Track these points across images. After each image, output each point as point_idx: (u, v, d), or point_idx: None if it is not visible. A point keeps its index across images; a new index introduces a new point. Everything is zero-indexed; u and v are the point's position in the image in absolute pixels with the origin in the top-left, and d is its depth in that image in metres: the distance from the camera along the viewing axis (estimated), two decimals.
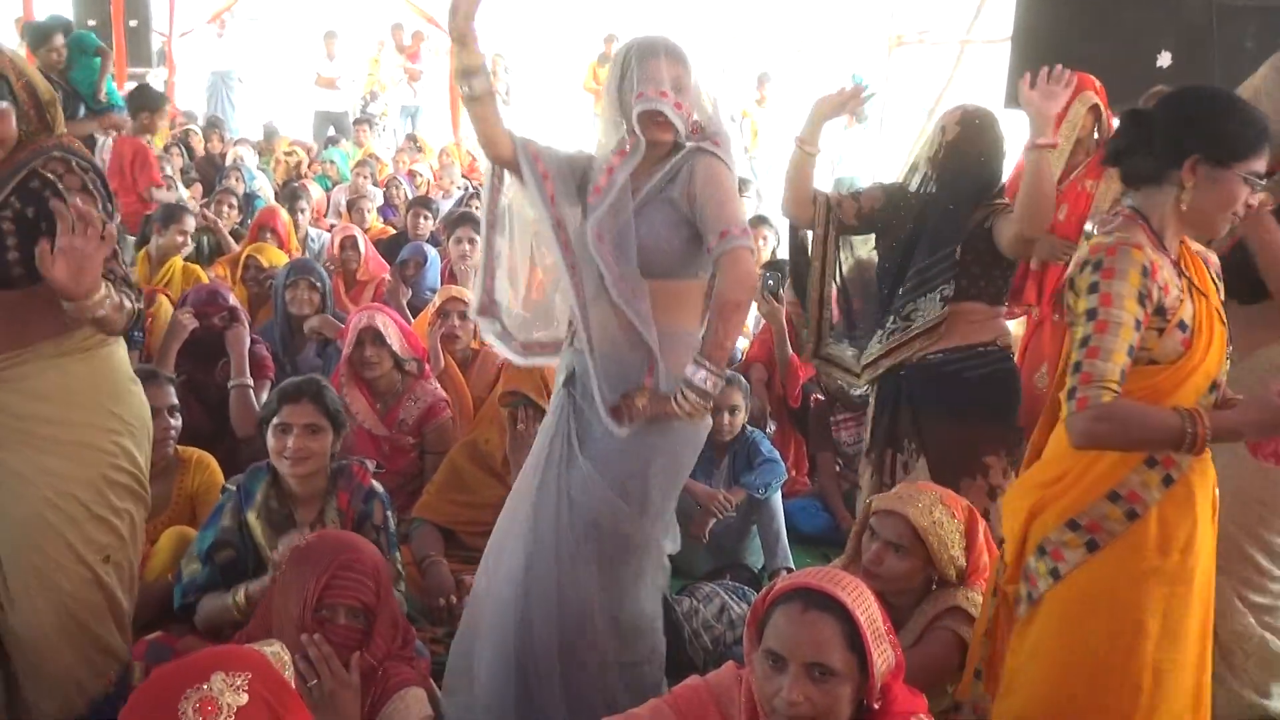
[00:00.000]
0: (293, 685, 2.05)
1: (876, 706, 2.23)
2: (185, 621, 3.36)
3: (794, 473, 5.46)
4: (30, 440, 2.87)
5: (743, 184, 9.54)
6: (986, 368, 3.76)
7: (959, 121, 3.73)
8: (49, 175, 2.78)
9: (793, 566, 4.44)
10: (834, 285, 4.03)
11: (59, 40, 7.57)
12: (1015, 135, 4.38)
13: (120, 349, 3.06)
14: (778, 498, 4.61)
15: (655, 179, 3.08)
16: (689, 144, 3.07)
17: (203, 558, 3.37)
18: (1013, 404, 3.87)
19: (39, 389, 2.86)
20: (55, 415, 2.87)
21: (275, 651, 2.15)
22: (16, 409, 2.86)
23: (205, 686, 1.82)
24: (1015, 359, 3.96)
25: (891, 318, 3.76)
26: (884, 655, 2.22)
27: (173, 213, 6.61)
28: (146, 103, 8.10)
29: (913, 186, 3.82)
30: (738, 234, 3.00)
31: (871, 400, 3.99)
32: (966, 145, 3.69)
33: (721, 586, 4.13)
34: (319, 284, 5.50)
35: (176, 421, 3.82)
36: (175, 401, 3.81)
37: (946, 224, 3.69)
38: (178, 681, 1.84)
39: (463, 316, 5.15)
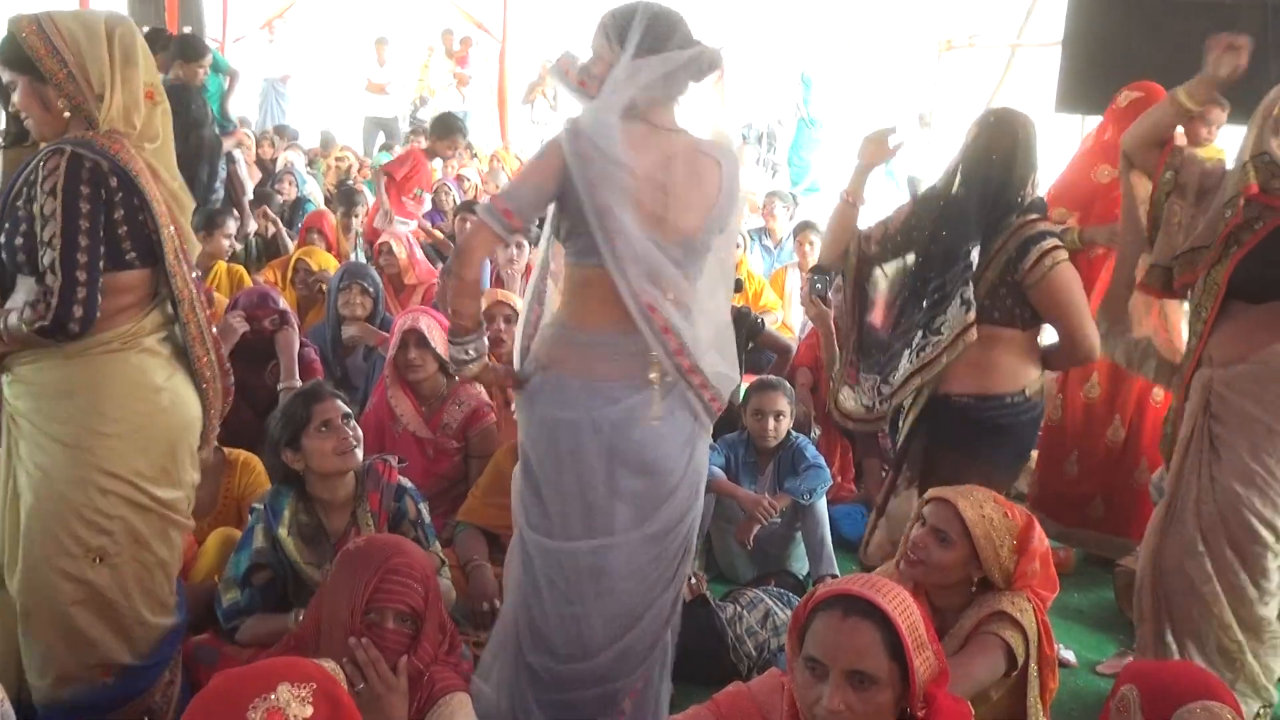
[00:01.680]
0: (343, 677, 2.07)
1: (920, 715, 2.22)
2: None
3: (839, 479, 5.43)
4: (29, 436, 2.93)
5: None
6: (1012, 419, 3.67)
7: (979, 123, 3.67)
8: (34, 174, 2.82)
9: (838, 573, 4.41)
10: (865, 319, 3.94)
11: (208, 60, 7.79)
12: (1064, 138, 4.35)
13: (146, 357, 3.04)
14: (823, 504, 4.59)
15: None
16: None
17: (240, 582, 3.41)
18: (1026, 453, 3.87)
19: (45, 387, 2.91)
20: (55, 413, 2.91)
21: (333, 666, 2.16)
22: (24, 407, 2.93)
23: (272, 697, 1.84)
24: (1044, 404, 3.87)
25: (920, 333, 3.63)
26: (926, 662, 2.20)
27: (214, 218, 6.69)
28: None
29: (940, 191, 3.74)
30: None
31: (905, 422, 3.81)
32: (983, 146, 3.61)
33: (766, 593, 4.13)
34: (371, 288, 5.54)
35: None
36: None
37: (961, 225, 3.59)
38: (244, 690, 1.85)
39: (508, 320, 5.14)
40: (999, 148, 3.59)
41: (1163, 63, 3.89)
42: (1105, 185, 4.64)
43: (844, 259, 3.82)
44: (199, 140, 7.44)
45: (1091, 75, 6.21)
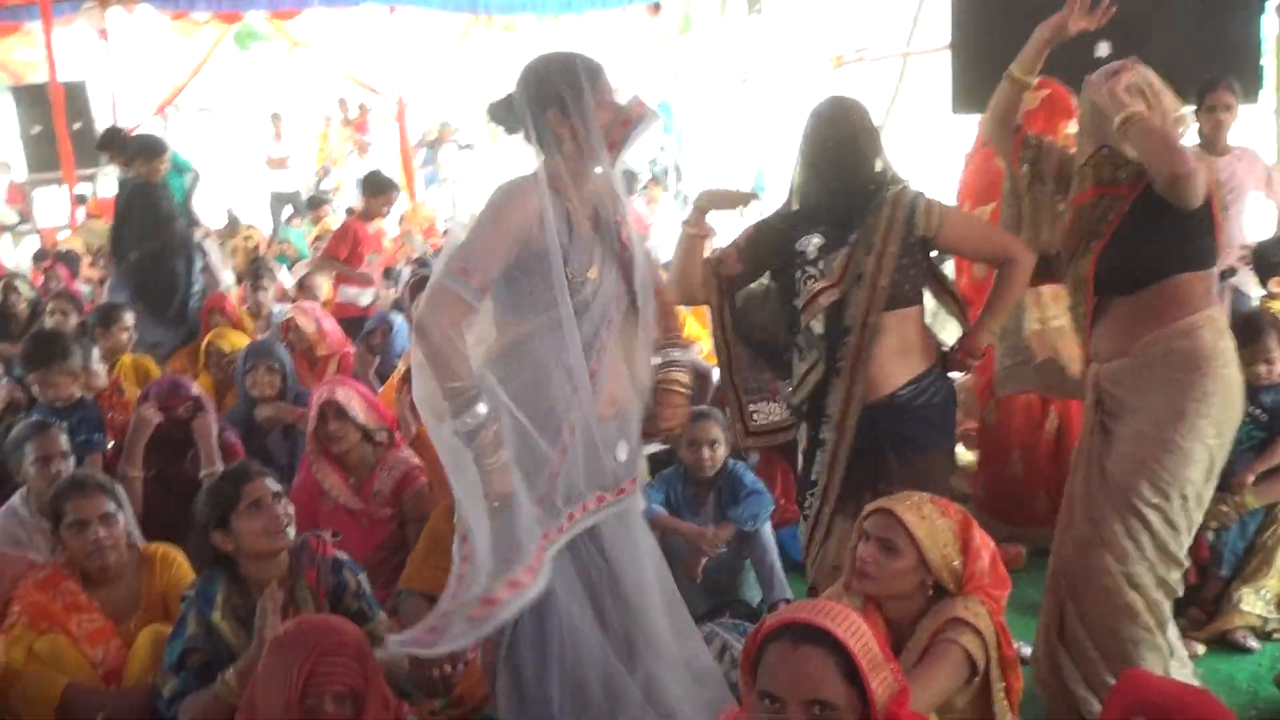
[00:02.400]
0: None
1: None
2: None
3: (783, 501, 5.36)
4: None
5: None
6: (945, 391, 3.63)
7: (809, 123, 3.60)
8: None
9: (791, 597, 4.35)
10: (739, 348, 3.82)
11: (169, 155, 8.06)
12: (959, 137, 4.35)
13: None
14: (768, 529, 4.53)
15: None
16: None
17: (175, 669, 3.28)
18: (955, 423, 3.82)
19: None
20: None
21: None
22: None
23: None
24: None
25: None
26: (884, 683, 2.15)
27: (110, 312, 6.59)
28: (142, 149, 7.96)
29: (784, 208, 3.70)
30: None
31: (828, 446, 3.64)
32: (815, 135, 3.56)
33: (721, 626, 4.05)
34: (277, 365, 5.43)
35: (110, 530, 3.61)
36: (108, 510, 3.62)
37: (832, 206, 3.53)
38: None
39: None
40: (837, 135, 3.54)
41: (1050, 56, 3.91)
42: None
43: (699, 290, 3.69)
44: (170, 234, 7.68)
45: (983, 75, 6.24)
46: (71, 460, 4.29)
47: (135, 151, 7.91)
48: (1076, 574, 3.48)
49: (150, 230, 7.62)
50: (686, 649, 3.20)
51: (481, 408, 2.82)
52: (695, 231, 3.62)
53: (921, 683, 2.77)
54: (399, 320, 6.57)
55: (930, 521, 2.96)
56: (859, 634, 2.17)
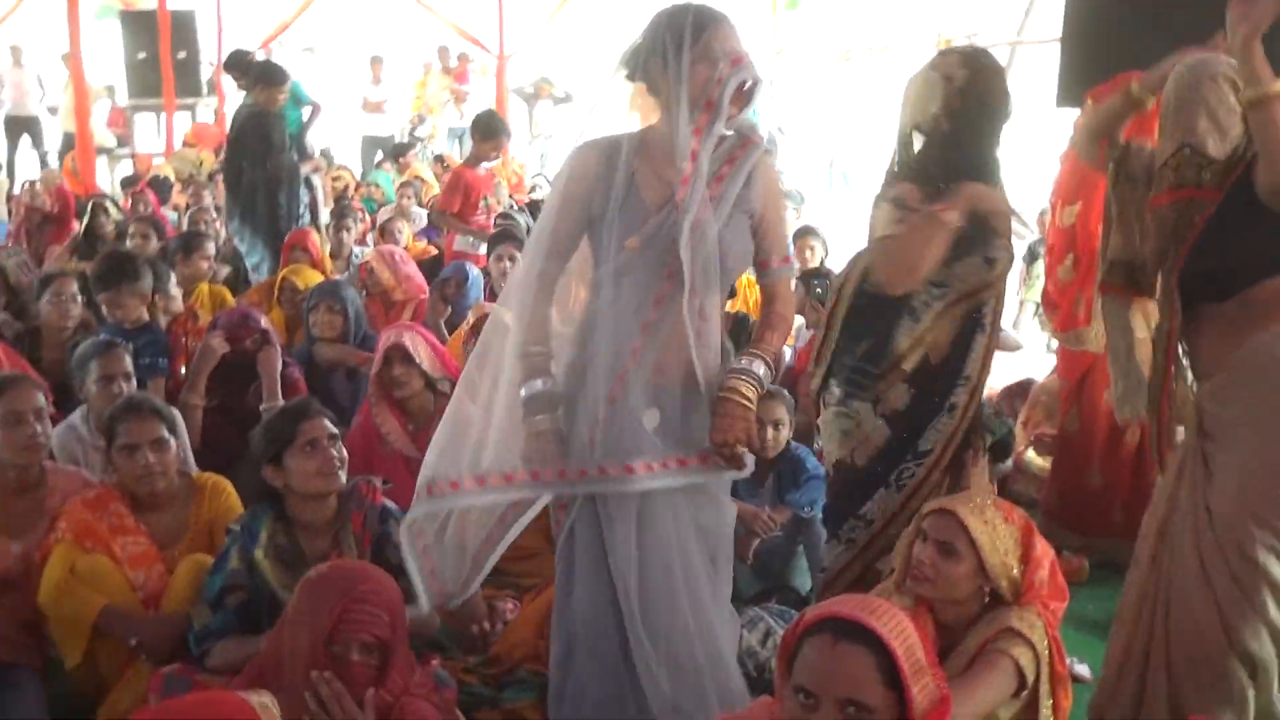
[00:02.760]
0: None
1: None
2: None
3: None
4: None
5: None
6: None
7: (964, 64, 3.34)
8: None
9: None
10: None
11: (288, 86, 8.03)
12: (1062, 133, 4.17)
13: None
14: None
15: (735, 183, 2.86)
16: (734, 135, 2.87)
17: (213, 604, 3.25)
18: None
19: None
20: None
21: (264, 703, 2.00)
22: None
23: None
24: None
25: None
26: (925, 690, 2.04)
27: (193, 240, 6.67)
28: (263, 76, 7.91)
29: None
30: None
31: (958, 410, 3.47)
32: (985, 86, 3.32)
33: (767, 610, 3.96)
34: (338, 306, 5.42)
35: (161, 455, 3.56)
36: (160, 435, 3.58)
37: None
38: None
39: None
40: (1001, 90, 3.37)
41: (1164, 54, 3.73)
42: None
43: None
44: (278, 166, 7.65)
45: (1091, 70, 6.05)
46: (134, 382, 4.31)
47: (256, 77, 7.90)
48: (1177, 619, 3.10)
49: (260, 158, 7.60)
50: (709, 646, 3.01)
51: (540, 383, 2.84)
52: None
53: (966, 692, 2.68)
54: (475, 272, 6.52)
55: (993, 527, 2.86)
56: (904, 635, 2.07)
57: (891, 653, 2.02)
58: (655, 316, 2.85)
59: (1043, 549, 2.93)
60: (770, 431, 4.51)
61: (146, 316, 5.18)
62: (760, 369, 2.88)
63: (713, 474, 2.96)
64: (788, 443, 4.62)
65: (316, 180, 8.96)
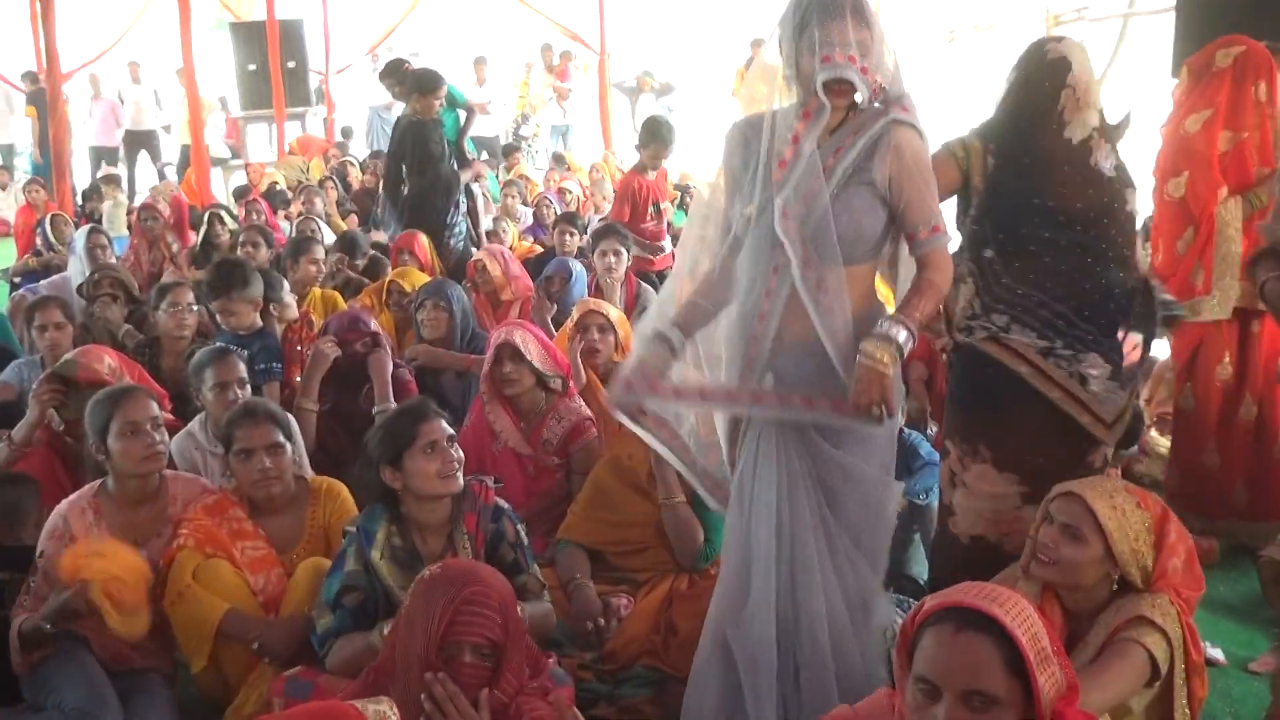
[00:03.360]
0: None
1: None
2: None
3: None
4: None
5: None
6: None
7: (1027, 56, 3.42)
8: None
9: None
10: None
11: (444, 92, 7.99)
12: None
13: None
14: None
15: (852, 155, 2.91)
16: (875, 107, 2.93)
17: (332, 605, 3.28)
18: None
19: None
20: None
21: (380, 710, 2.00)
22: None
23: None
24: None
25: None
26: (1051, 679, 1.97)
27: (301, 245, 6.78)
28: (418, 84, 7.89)
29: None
30: (943, 230, 3.02)
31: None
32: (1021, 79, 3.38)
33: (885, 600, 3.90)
34: (443, 304, 5.45)
35: (276, 460, 3.62)
36: (276, 440, 3.64)
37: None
38: None
39: (602, 330, 5.03)
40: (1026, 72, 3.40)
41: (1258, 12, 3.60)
42: (1196, 133, 4.38)
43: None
44: (436, 175, 7.65)
45: (1207, 37, 5.87)
46: (248, 388, 4.37)
47: (411, 86, 7.89)
48: None
49: (419, 167, 7.63)
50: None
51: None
52: None
53: (1098, 682, 2.60)
54: (579, 268, 6.53)
55: (1122, 513, 2.78)
56: (1028, 624, 2.00)
57: (1016, 641, 1.95)
58: (774, 285, 2.96)
59: (1177, 536, 2.83)
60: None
61: (260, 323, 5.28)
62: (900, 334, 2.85)
63: (844, 420, 2.96)
64: (901, 429, 4.52)
65: (476, 188, 8.96)
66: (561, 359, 4.73)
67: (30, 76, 15.35)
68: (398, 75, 8.89)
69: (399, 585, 3.25)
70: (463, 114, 9.08)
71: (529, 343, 4.56)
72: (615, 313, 5.22)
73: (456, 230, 7.74)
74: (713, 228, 3.17)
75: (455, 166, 8.00)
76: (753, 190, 2.98)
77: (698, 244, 3.21)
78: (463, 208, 7.88)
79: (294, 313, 5.86)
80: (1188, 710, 2.79)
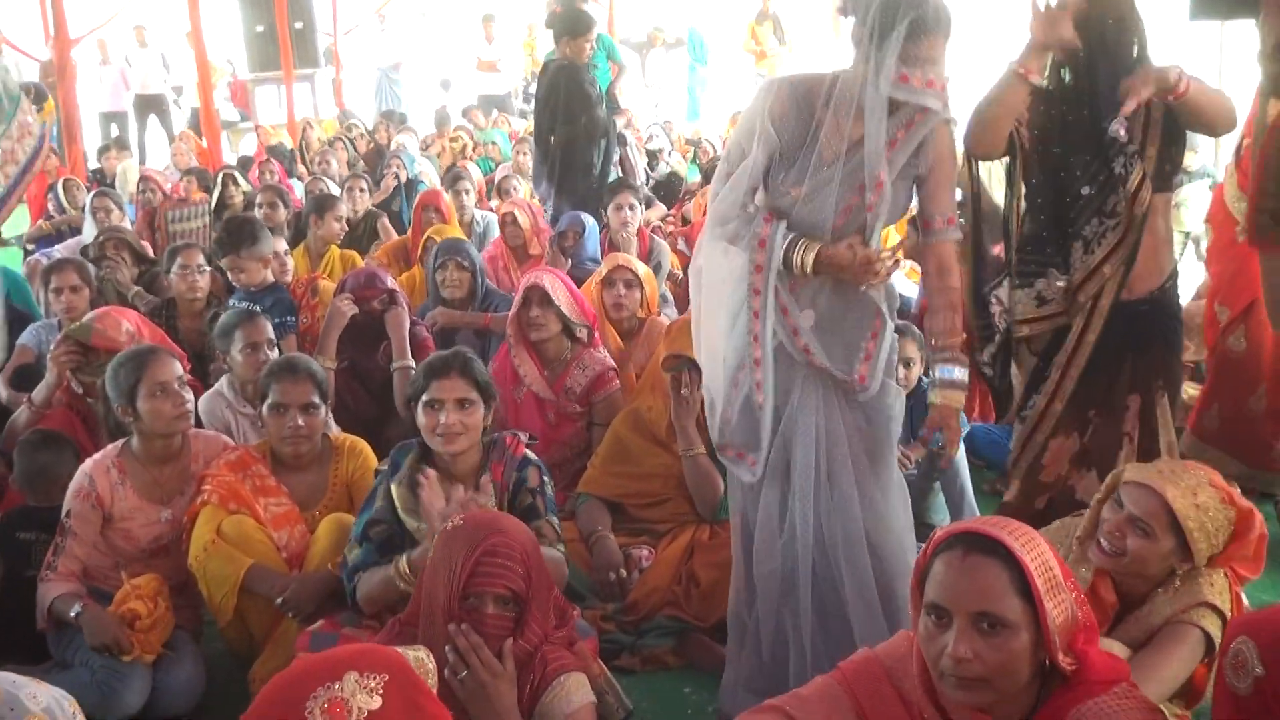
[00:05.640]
0: (435, 691, 1.89)
1: (1069, 668, 1.97)
2: (350, 610, 3.28)
3: (975, 415, 5.18)
4: None
5: None
6: (1177, 299, 3.48)
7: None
8: None
9: None
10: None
11: (594, 34, 7.59)
12: (1200, 50, 3.97)
13: None
14: (961, 452, 4.33)
15: (904, 154, 2.99)
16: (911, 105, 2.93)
17: (359, 539, 3.28)
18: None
19: None
20: None
21: (419, 656, 1.99)
22: None
23: (337, 686, 1.69)
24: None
25: (1096, 220, 3.38)
26: (1062, 606, 1.96)
27: (324, 202, 6.75)
28: (567, 28, 7.41)
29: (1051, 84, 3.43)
30: (952, 225, 3.10)
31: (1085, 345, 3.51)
32: (1097, 13, 3.28)
33: None
34: (467, 263, 5.42)
35: (310, 419, 3.63)
36: (313, 400, 3.64)
37: (1096, 104, 3.33)
38: (309, 678, 1.71)
39: (629, 285, 5.02)
40: (1117, 10, 3.31)
41: None
42: None
43: (1001, 144, 3.46)
44: (591, 121, 7.32)
45: None
46: (276, 349, 4.39)
47: (560, 30, 7.48)
48: None
49: (571, 113, 7.27)
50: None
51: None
52: (1024, 71, 3.28)
53: (1154, 669, 2.59)
54: (591, 223, 6.51)
55: (1205, 510, 2.69)
56: (1037, 551, 1.99)
57: (1022, 564, 1.94)
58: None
59: (1258, 530, 2.75)
60: (901, 370, 4.41)
61: (271, 278, 5.28)
62: (963, 373, 3.14)
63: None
64: (919, 380, 4.52)
65: (629, 135, 8.67)
66: (588, 309, 4.72)
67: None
68: (549, 21, 8.20)
69: (408, 510, 3.25)
70: (614, 67, 8.71)
71: (558, 289, 4.56)
72: (644, 269, 5.21)
73: (609, 180, 7.37)
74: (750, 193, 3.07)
75: (609, 111, 7.71)
76: (803, 172, 2.97)
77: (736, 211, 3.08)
78: (614, 156, 7.56)
79: (290, 272, 5.87)
80: None
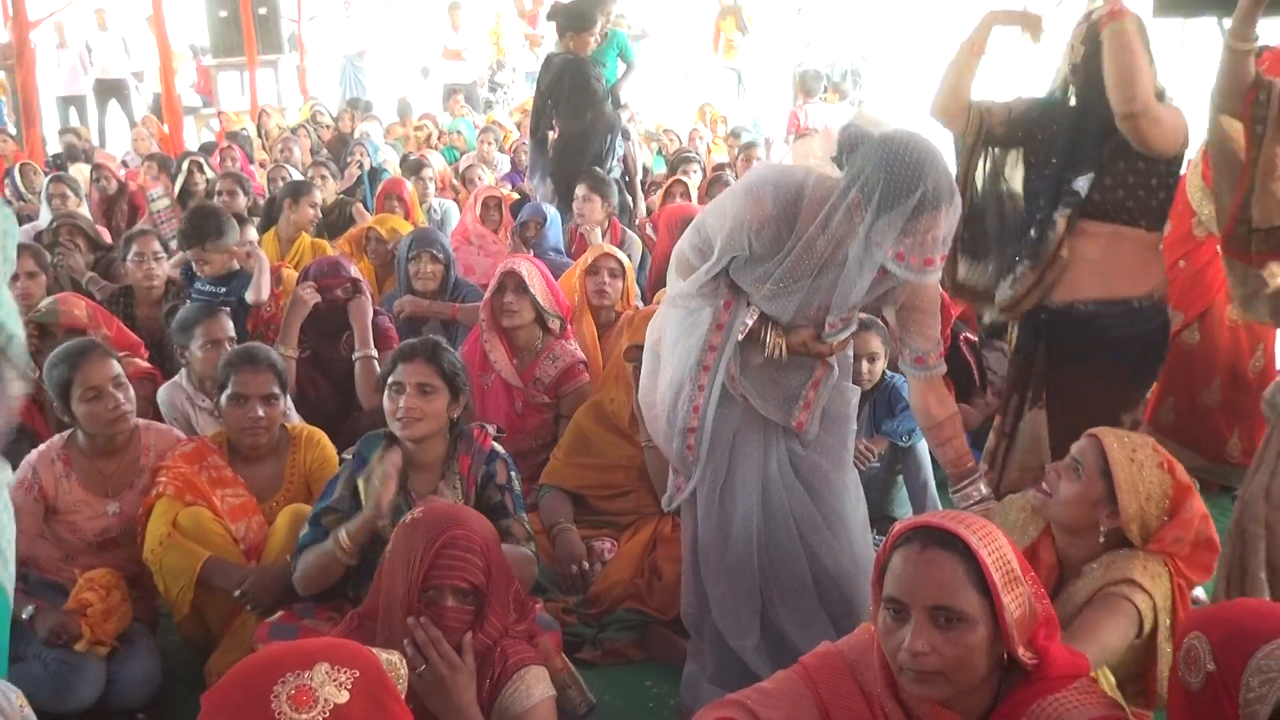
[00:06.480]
0: (403, 695, 1.86)
1: (1030, 663, 1.97)
2: (309, 602, 3.25)
3: None
4: None
5: None
6: (1140, 325, 3.43)
7: (1084, 40, 3.36)
8: None
9: None
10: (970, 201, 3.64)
11: (598, 28, 7.55)
12: (1163, 47, 4.00)
13: None
14: (923, 445, 4.34)
15: (882, 287, 3.00)
16: None
17: (311, 523, 3.26)
18: (1159, 365, 3.61)
19: None
20: None
21: (392, 660, 1.96)
22: None
23: (307, 674, 1.66)
24: (1168, 311, 3.58)
25: (1026, 262, 3.45)
26: (1019, 600, 1.95)
27: (300, 187, 6.72)
28: (570, 21, 7.41)
29: (1059, 96, 3.49)
30: (934, 363, 3.13)
31: (1012, 337, 3.71)
32: (1094, 67, 3.30)
33: None
34: (440, 255, 5.39)
35: (269, 411, 3.61)
36: (273, 391, 3.62)
37: (1077, 154, 3.38)
38: (280, 665, 1.69)
39: (613, 274, 4.99)
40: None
41: None
42: None
43: (960, 116, 3.56)
44: (597, 116, 7.28)
45: None
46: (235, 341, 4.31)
47: (563, 23, 7.46)
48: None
49: (576, 108, 7.25)
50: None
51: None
52: (974, 48, 3.48)
53: (1092, 634, 2.57)
54: (553, 213, 6.48)
55: (1140, 466, 2.71)
56: (994, 544, 1.98)
57: (978, 558, 1.94)
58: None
59: (1198, 517, 2.75)
60: (865, 364, 4.42)
61: (237, 266, 5.22)
62: (988, 489, 3.17)
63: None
64: (883, 373, 4.53)
65: (633, 130, 8.52)
66: (563, 300, 4.70)
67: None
68: (551, 13, 8.24)
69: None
70: (622, 66, 8.48)
71: (534, 277, 4.55)
72: (627, 260, 5.18)
73: (613, 174, 7.35)
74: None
75: (615, 106, 7.61)
76: (768, 276, 2.94)
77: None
78: (619, 152, 7.50)
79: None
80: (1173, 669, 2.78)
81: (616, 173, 7.38)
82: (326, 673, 1.68)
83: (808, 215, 2.86)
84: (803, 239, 2.87)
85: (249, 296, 5.00)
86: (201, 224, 5.21)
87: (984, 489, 3.11)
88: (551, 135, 7.46)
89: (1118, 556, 2.74)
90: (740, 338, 3.00)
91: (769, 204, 2.89)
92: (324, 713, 1.65)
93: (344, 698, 1.67)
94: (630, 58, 8.26)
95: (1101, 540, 2.77)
